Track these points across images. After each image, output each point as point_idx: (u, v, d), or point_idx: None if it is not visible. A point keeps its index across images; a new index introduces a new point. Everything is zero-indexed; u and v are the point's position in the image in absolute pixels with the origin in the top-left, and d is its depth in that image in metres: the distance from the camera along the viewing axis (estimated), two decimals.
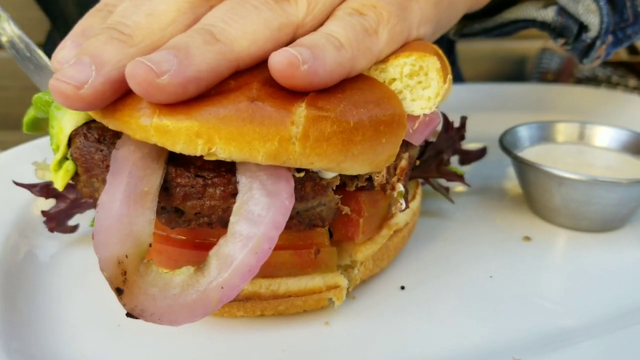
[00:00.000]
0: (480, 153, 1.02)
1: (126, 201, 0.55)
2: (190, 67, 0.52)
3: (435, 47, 0.70)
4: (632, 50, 2.38)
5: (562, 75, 2.43)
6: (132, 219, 0.55)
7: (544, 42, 2.48)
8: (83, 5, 0.66)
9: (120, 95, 0.55)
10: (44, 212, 0.82)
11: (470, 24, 1.07)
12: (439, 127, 0.91)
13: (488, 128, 1.09)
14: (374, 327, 0.70)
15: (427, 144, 0.91)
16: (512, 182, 1.08)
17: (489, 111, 1.29)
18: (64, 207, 0.82)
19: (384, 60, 0.64)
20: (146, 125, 0.54)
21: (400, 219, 0.79)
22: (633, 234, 0.91)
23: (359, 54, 0.59)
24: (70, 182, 0.66)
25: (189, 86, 0.52)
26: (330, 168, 0.58)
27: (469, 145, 1.03)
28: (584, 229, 0.91)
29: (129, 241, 0.54)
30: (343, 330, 0.70)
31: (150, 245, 0.55)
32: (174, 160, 0.59)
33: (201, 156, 0.55)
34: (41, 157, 0.76)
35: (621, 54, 2.35)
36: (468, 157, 1.02)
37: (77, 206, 0.83)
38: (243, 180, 0.57)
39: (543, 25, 0.99)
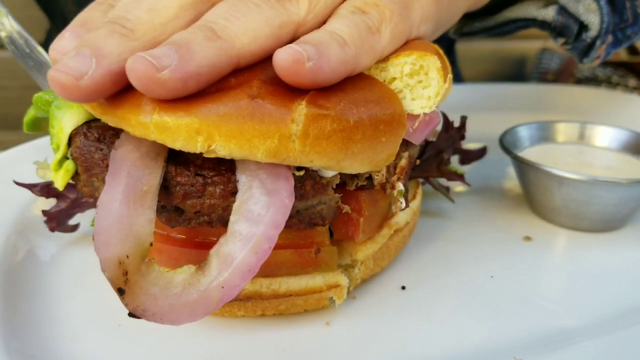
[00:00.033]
0: (481, 153, 1.02)
1: (126, 201, 0.55)
2: (191, 62, 0.52)
3: (436, 46, 0.70)
4: (632, 50, 2.38)
5: (562, 76, 2.43)
6: (132, 219, 0.55)
7: (544, 42, 2.48)
8: (82, 4, 0.66)
9: (120, 88, 0.55)
10: (44, 212, 0.82)
11: (471, 23, 1.07)
12: (439, 127, 0.91)
13: (488, 128, 1.09)
14: (375, 327, 0.70)
15: (427, 143, 0.91)
16: (512, 182, 1.08)
17: (489, 111, 1.29)
18: (65, 206, 0.82)
19: (385, 59, 0.64)
20: (146, 122, 0.54)
21: (401, 218, 0.79)
22: (633, 234, 0.91)
23: (362, 51, 0.59)
24: (71, 181, 0.66)
25: (189, 82, 0.52)
26: (330, 166, 0.58)
27: (469, 145, 1.03)
28: (585, 229, 0.91)
29: (129, 241, 0.54)
30: (344, 330, 0.70)
31: (151, 244, 0.55)
32: (174, 159, 0.59)
33: (201, 155, 0.55)
34: (41, 157, 0.75)
35: (621, 54, 2.35)
36: (468, 157, 1.02)
37: (78, 206, 0.83)
38: (243, 179, 0.57)
39: (543, 25, 0.99)
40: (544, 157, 0.95)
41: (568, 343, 0.67)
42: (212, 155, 0.55)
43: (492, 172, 1.11)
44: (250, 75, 0.56)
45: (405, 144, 0.70)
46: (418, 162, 0.88)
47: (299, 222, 0.62)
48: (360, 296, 0.76)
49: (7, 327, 0.67)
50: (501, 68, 2.69)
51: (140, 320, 0.54)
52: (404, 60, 0.64)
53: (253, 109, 0.54)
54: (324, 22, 0.61)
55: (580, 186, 0.86)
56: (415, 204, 0.84)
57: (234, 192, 0.57)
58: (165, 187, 0.58)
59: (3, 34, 0.84)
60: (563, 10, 0.95)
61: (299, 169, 0.59)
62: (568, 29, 0.96)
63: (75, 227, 0.85)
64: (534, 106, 1.40)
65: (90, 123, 0.63)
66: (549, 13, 0.96)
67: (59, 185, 0.65)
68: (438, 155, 0.91)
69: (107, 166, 0.58)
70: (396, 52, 0.65)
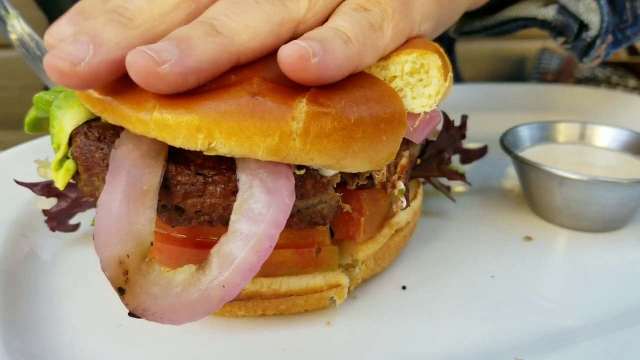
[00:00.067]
0: (481, 152, 1.02)
1: (126, 200, 0.55)
2: (191, 57, 0.51)
3: (436, 45, 0.70)
4: (631, 50, 2.38)
5: (562, 76, 2.43)
6: (132, 218, 0.54)
7: (544, 42, 2.49)
8: None
9: (117, 77, 0.54)
10: (45, 211, 0.82)
11: (470, 22, 1.07)
12: (440, 126, 0.91)
13: (488, 128, 1.09)
14: (375, 326, 0.70)
15: (427, 142, 0.91)
16: (512, 182, 1.08)
17: (489, 111, 1.29)
18: (65, 206, 0.82)
19: (386, 57, 0.64)
20: (146, 119, 0.54)
21: (402, 218, 0.79)
22: (633, 234, 0.91)
23: (365, 48, 0.59)
24: (71, 181, 0.66)
25: (189, 76, 0.52)
26: (330, 165, 0.58)
27: (469, 144, 1.03)
28: (585, 229, 0.91)
29: (129, 240, 0.54)
30: (344, 330, 0.70)
31: (151, 244, 0.55)
32: (174, 158, 0.59)
33: (201, 154, 0.55)
34: (41, 157, 0.75)
35: (621, 54, 2.35)
36: (469, 156, 1.02)
37: (78, 205, 0.83)
38: (243, 178, 0.57)
39: (543, 24, 0.99)
40: (544, 157, 0.95)
41: (568, 343, 0.67)
42: (213, 153, 0.55)
43: (492, 172, 1.11)
44: (250, 72, 0.56)
45: (406, 143, 0.70)
46: (419, 161, 0.88)
47: (299, 221, 0.62)
48: (361, 296, 0.76)
49: (7, 326, 0.67)
50: (501, 68, 2.70)
51: (140, 320, 0.54)
52: (405, 58, 0.64)
53: (254, 106, 0.54)
54: (324, 21, 0.61)
55: (580, 186, 0.86)
56: (416, 203, 0.84)
57: (234, 191, 0.57)
58: (166, 187, 0.58)
59: (14, 37, 0.84)
60: (563, 9, 0.95)
61: (299, 167, 0.59)
62: (568, 28, 0.96)
63: (75, 227, 0.85)
64: (534, 106, 1.41)
65: (91, 122, 0.63)
66: (549, 12, 0.97)
67: (60, 184, 0.65)
68: (439, 155, 0.90)
69: (107, 165, 0.58)
70: (397, 50, 0.65)
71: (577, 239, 0.90)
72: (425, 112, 0.66)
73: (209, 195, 0.58)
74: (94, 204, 0.81)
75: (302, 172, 0.59)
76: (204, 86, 0.55)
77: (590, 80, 2.32)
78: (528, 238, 0.90)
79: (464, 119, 0.95)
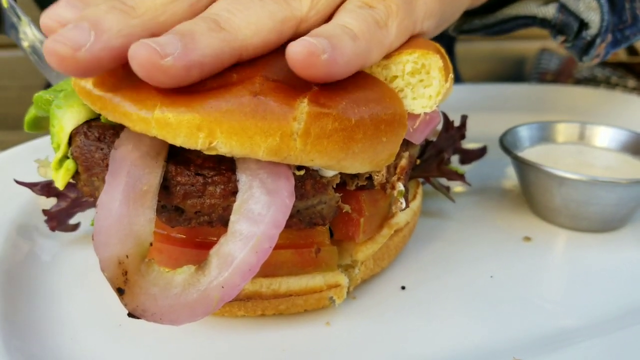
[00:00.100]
0: (481, 152, 1.02)
1: (125, 201, 0.54)
2: (195, 51, 0.51)
3: (438, 45, 0.70)
4: (631, 51, 2.38)
5: (561, 76, 2.43)
6: (131, 219, 0.54)
7: (543, 42, 2.49)
8: None
9: (116, 65, 0.54)
10: (45, 211, 0.82)
11: (470, 20, 1.07)
12: (439, 126, 0.91)
13: (488, 128, 1.09)
14: (375, 327, 0.70)
15: (427, 143, 0.91)
16: (512, 183, 1.08)
17: (489, 112, 1.29)
18: (65, 206, 0.82)
19: (387, 56, 0.64)
20: (147, 117, 0.54)
21: (401, 218, 0.79)
22: (633, 234, 0.91)
23: (372, 45, 0.59)
24: (71, 180, 0.66)
25: (192, 70, 0.52)
26: (330, 166, 0.58)
27: (469, 145, 1.03)
28: (584, 229, 0.91)
29: (129, 241, 0.54)
30: (344, 330, 0.70)
31: (151, 244, 0.55)
32: (174, 158, 0.59)
33: (201, 154, 0.55)
34: (41, 157, 0.75)
35: (620, 54, 2.35)
36: (469, 156, 1.02)
37: (78, 205, 0.83)
38: (243, 179, 0.57)
39: (543, 22, 0.99)
40: (544, 158, 0.95)
41: (568, 343, 0.67)
42: (213, 153, 0.55)
43: (492, 173, 1.11)
44: (252, 71, 0.56)
45: (406, 144, 0.70)
46: (418, 161, 0.88)
47: (299, 221, 0.62)
48: (360, 296, 0.76)
49: (7, 326, 0.67)
50: (500, 68, 2.70)
51: (140, 320, 0.54)
52: (406, 58, 0.64)
53: (255, 105, 0.54)
54: (326, 20, 0.61)
55: (580, 186, 0.86)
56: (415, 204, 0.84)
57: (234, 192, 0.57)
58: (166, 187, 0.58)
59: (26, 44, 0.84)
60: (563, 8, 0.96)
61: (299, 168, 0.59)
62: (568, 26, 0.96)
63: (75, 227, 0.85)
64: (534, 106, 1.41)
65: (91, 122, 0.63)
66: (550, 11, 0.97)
67: (60, 184, 0.65)
68: (438, 155, 0.91)
69: (107, 166, 0.58)
70: (398, 49, 0.65)
71: (577, 239, 0.90)
72: (425, 113, 0.66)
73: (208, 196, 0.58)
74: (93, 204, 0.81)
75: (302, 172, 0.59)
76: (206, 85, 0.55)
77: (590, 81, 2.32)
78: (527, 238, 0.90)
79: (464, 119, 0.95)
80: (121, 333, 0.68)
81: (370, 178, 0.65)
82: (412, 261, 0.83)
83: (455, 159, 1.02)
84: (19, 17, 0.84)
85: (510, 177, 1.08)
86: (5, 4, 0.84)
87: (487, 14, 1.05)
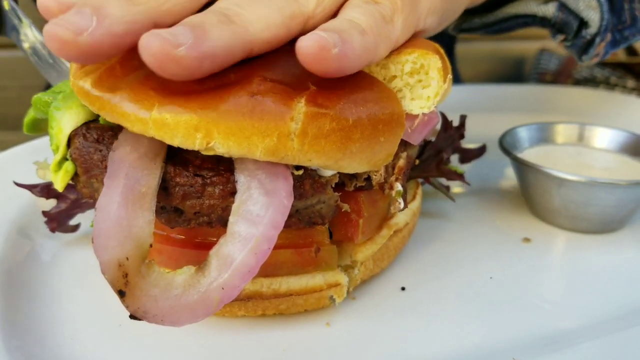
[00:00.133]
0: (480, 151, 1.02)
1: (124, 203, 0.54)
2: (207, 42, 0.50)
3: (437, 45, 0.70)
4: (630, 51, 2.39)
5: (561, 76, 2.43)
6: (131, 221, 0.54)
7: (543, 42, 2.49)
8: None
9: (118, 53, 0.53)
10: (45, 213, 0.82)
11: (470, 19, 1.07)
12: (438, 126, 0.91)
13: (487, 129, 1.10)
14: (375, 327, 0.70)
15: (426, 143, 0.91)
16: (511, 183, 1.08)
17: (488, 112, 1.29)
18: (65, 207, 0.82)
19: (388, 55, 0.64)
20: (145, 118, 0.54)
21: (400, 219, 0.79)
22: (632, 235, 0.92)
23: (379, 40, 0.59)
24: (71, 182, 0.66)
25: (204, 61, 0.51)
26: (328, 166, 0.58)
27: (468, 145, 1.04)
28: (583, 230, 0.91)
29: (128, 243, 0.54)
30: (344, 331, 0.70)
31: (150, 245, 0.55)
32: (172, 160, 0.59)
33: (200, 155, 0.55)
34: (41, 158, 0.75)
35: (619, 55, 2.36)
36: (468, 156, 1.02)
37: (78, 206, 0.83)
38: (241, 179, 0.57)
39: (543, 21, 0.99)
40: (543, 159, 0.95)
41: (567, 344, 0.67)
42: (211, 153, 0.55)
43: (491, 173, 1.11)
44: (250, 71, 0.56)
45: (404, 144, 0.70)
46: (417, 162, 0.88)
47: (298, 221, 0.62)
48: (360, 297, 0.76)
49: (7, 326, 0.67)
50: (500, 69, 2.70)
51: (142, 321, 0.54)
52: (405, 58, 0.65)
53: (253, 106, 0.54)
54: (332, 17, 0.61)
55: (579, 187, 0.86)
56: (414, 204, 0.84)
57: (233, 193, 0.57)
58: (164, 188, 0.58)
59: (26, 45, 0.84)
60: (563, 6, 0.96)
61: (297, 168, 0.59)
62: (568, 25, 0.96)
63: (75, 228, 0.85)
64: (533, 107, 1.41)
65: (89, 124, 0.63)
66: (549, 9, 0.97)
67: (59, 186, 0.65)
68: (437, 155, 0.91)
69: (106, 167, 0.58)
70: (398, 49, 0.65)
71: (576, 240, 0.90)
72: (423, 114, 0.66)
73: (207, 197, 0.58)
74: (93, 205, 0.81)
75: (301, 172, 0.59)
76: (204, 84, 0.54)
77: (589, 81, 2.33)
78: (527, 239, 0.90)
79: (463, 118, 0.95)
80: (121, 333, 0.68)
81: (368, 178, 0.66)
82: (411, 262, 0.83)
83: (454, 159, 1.02)
84: (20, 19, 0.84)
85: (510, 178, 1.08)
86: (6, 6, 0.85)
87: (487, 12, 1.05)
